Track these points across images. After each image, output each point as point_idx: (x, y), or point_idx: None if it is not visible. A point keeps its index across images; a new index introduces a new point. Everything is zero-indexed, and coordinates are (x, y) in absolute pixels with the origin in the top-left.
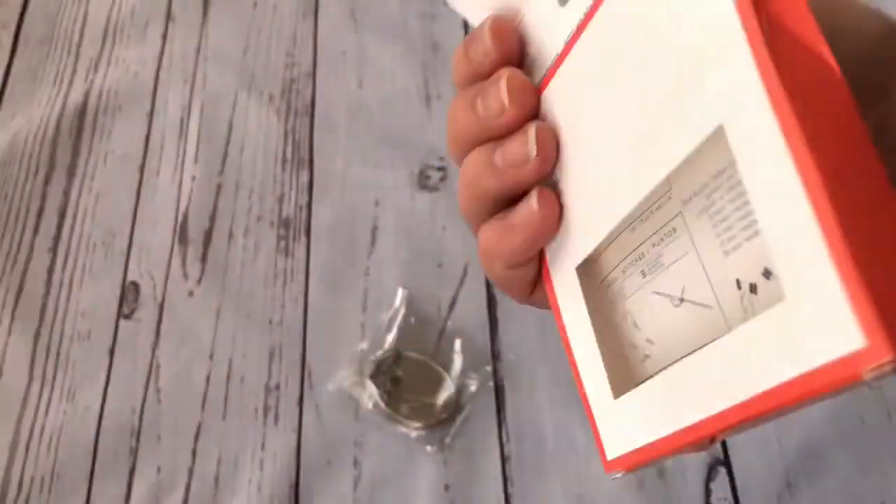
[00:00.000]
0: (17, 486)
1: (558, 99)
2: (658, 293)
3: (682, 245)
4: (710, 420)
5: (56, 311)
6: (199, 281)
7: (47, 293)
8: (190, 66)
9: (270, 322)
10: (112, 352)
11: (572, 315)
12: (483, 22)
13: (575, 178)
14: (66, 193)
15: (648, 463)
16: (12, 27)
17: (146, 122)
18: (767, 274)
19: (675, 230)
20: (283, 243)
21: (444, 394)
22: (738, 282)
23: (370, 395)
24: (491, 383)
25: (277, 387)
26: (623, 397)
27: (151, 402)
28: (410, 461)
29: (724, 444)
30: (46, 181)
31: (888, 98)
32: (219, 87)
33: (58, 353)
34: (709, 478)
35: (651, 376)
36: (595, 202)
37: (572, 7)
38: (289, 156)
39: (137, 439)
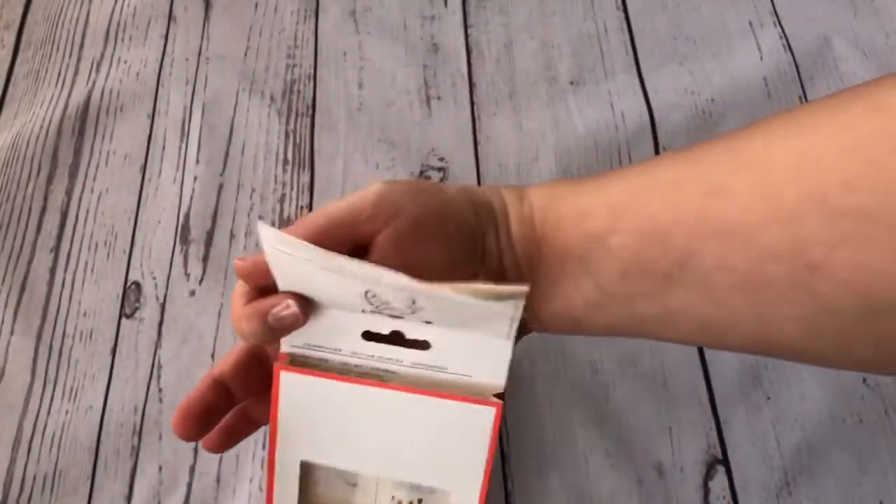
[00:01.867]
0: (19, 485)
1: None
2: None
3: None
4: None
5: (58, 311)
6: (201, 280)
7: (49, 293)
8: (191, 66)
9: None
10: (114, 351)
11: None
12: (294, 302)
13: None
14: (69, 193)
15: None
16: (14, 28)
17: (148, 122)
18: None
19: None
20: None
21: None
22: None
23: None
24: None
25: None
26: None
27: (153, 401)
28: None
29: (722, 443)
30: (48, 181)
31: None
32: (220, 87)
33: (60, 353)
34: (707, 476)
35: None
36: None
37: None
38: (290, 157)
39: (139, 438)
